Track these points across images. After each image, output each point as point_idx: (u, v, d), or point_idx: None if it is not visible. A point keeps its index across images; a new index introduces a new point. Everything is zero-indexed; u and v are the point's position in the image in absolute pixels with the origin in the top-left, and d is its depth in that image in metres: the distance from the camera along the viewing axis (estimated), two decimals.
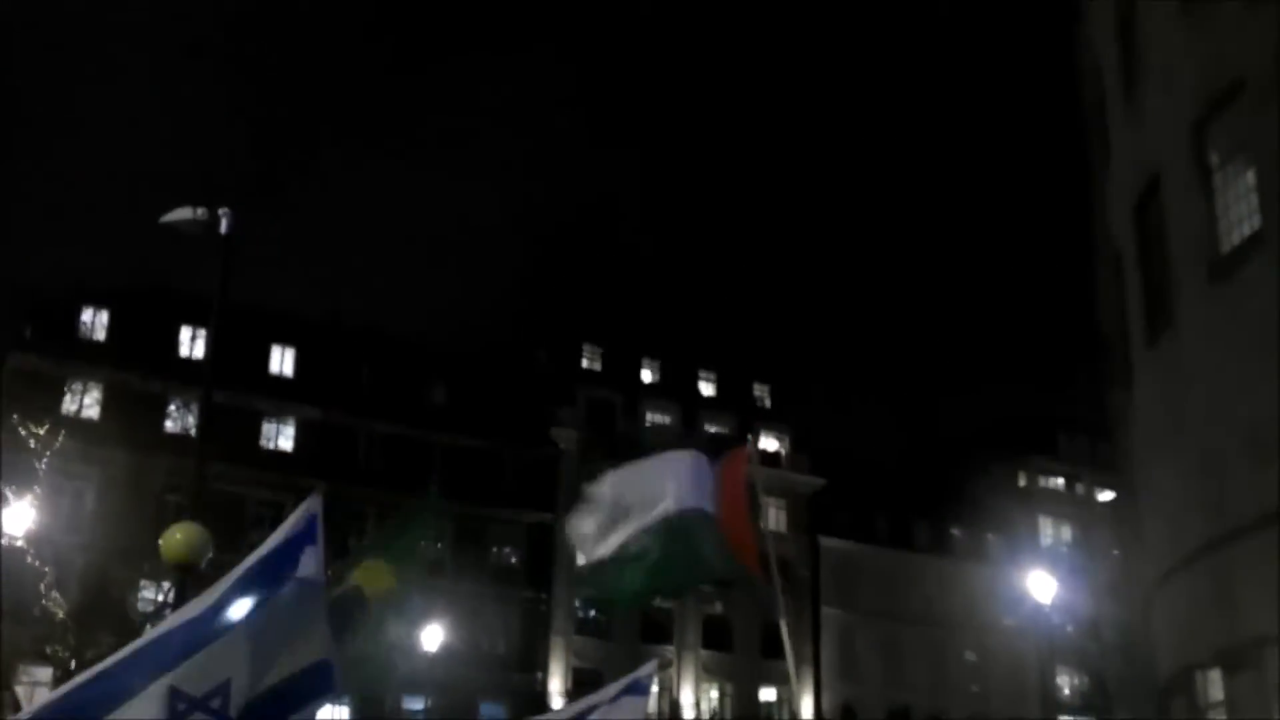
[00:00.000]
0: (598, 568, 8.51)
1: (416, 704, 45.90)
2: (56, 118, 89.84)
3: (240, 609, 4.70)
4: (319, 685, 4.94)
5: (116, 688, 4.29)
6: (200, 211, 10.70)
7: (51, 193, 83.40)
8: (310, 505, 5.24)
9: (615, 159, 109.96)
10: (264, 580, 4.86)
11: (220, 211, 10.72)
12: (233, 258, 11.13)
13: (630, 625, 48.13)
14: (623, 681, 8.26)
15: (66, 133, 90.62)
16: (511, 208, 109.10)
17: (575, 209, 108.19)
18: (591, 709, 8.18)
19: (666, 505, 8.49)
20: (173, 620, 4.70)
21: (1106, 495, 60.30)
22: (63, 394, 41.85)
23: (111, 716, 4.22)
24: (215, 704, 4.39)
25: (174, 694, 4.32)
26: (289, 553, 4.98)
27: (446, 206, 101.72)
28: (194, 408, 38.51)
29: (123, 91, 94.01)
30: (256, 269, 68.37)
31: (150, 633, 4.63)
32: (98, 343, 44.37)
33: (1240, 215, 10.88)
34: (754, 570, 8.43)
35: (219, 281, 10.70)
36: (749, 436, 9.75)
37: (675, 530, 8.32)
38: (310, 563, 5.01)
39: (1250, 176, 10.86)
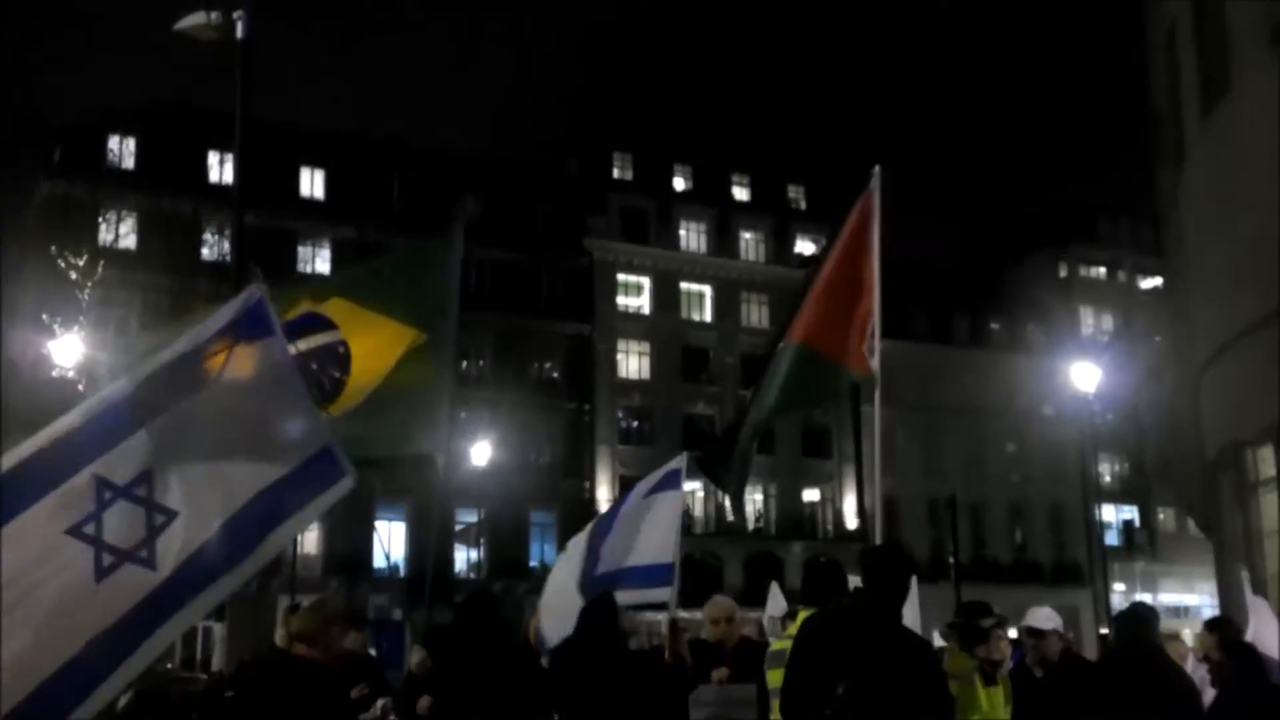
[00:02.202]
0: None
1: (470, 515, 47.25)
2: None
3: (156, 399, 4.39)
4: (324, 474, 4.73)
5: (42, 479, 4.06)
6: (214, 16, 10.27)
7: (75, 12, 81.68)
8: (247, 296, 4.82)
9: None
10: (187, 378, 4.54)
11: (235, 15, 10.27)
12: (253, 68, 10.74)
13: (673, 431, 48.80)
14: (652, 478, 8.17)
15: None
16: (534, 18, 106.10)
17: (601, 15, 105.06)
18: (622, 507, 8.15)
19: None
20: (91, 407, 4.42)
21: (1149, 282, 59.69)
22: (97, 223, 41.90)
23: (39, 505, 4.02)
24: (140, 491, 4.20)
25: (99, 482, 4.13)
26: (227, 345, 4.63)
27: (470, 18, 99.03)
28: (229, 232, 38.49)
29: None
30: (283, 84, 67.34)
31: (66, 420, 4.31)
32: (127, 170, 44.14)
33: None
34: (864, 371, 7.39)
35: (239, 90, 10.32)
36: (873, 171, 7.49)
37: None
38: (267, 358, 4.72)
39: None
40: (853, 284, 7.07)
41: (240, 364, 4.68)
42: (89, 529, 4.08)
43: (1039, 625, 6.19)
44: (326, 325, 6.56)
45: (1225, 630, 6.20)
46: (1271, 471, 11.10)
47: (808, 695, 4.40)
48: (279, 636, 5.28)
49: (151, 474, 4.26)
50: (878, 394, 7.38)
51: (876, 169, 7.29)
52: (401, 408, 6.37)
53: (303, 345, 6.33)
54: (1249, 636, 6.62)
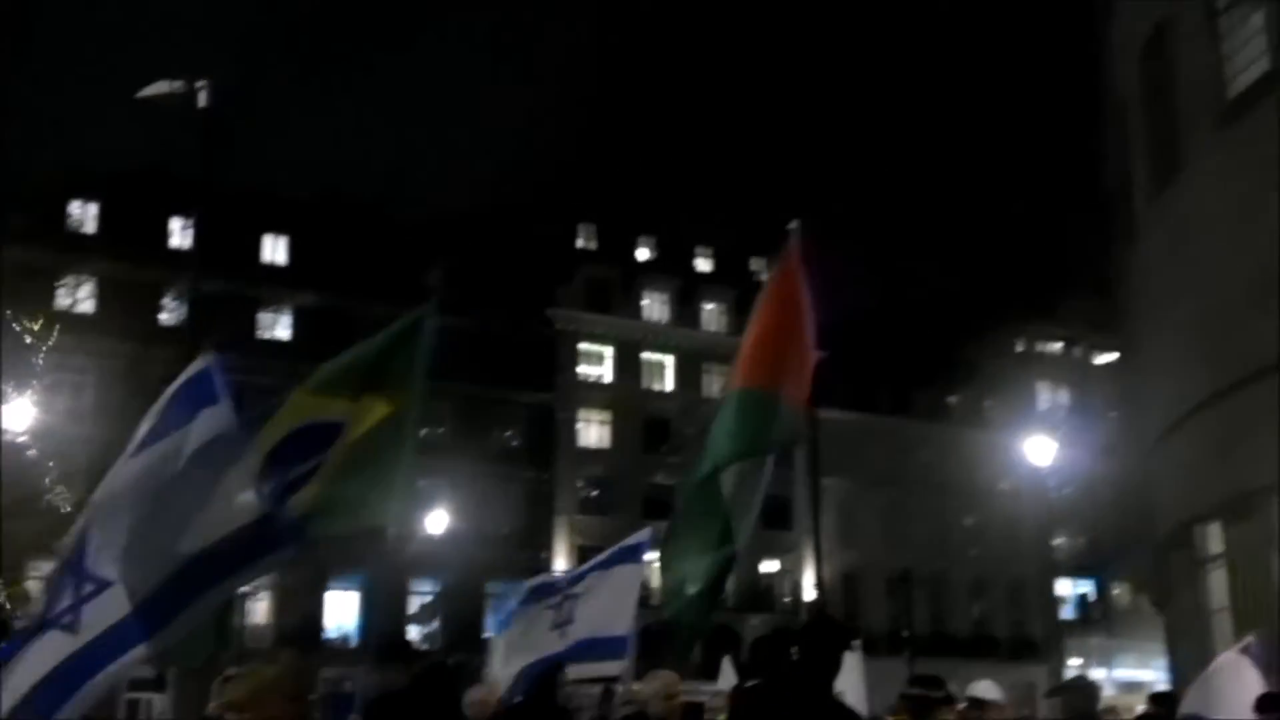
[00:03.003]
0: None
1: (426, 585, 46.70)
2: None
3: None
4: (265, 544, 4.73)
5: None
6: (178, 84, 10.30)
7: (43, 75, 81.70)
8: (197, 365, 4.97)
9: (615, 42, 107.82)
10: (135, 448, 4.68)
11: (198, 84, 10.31)
12: (216, 136, 10.79)
13: (633, 501, 48.61)
14: (615, 549, 8.11)
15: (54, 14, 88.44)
16: (505, 89, 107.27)
17: (570, 89, 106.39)
18: (583, 576, 8.07)
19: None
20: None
21: (1104, 358, 60.51)
22: (55, 288, 41.56)
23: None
24: (74, 558, 4.42)
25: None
26: (171, 422, 4.75)
27: (442, 86, 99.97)
28: (189, 297, 38.29)
29: None
30: (250, 149, 67.47)
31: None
32: (88, 234, 43.94)
33: (1249, 58, 10.58)
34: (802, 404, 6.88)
35: (202, 156, 10.34)
36: (791, 227, 7.41)
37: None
38: (210, 425, 4.79)
39: (1258, 18, 10.54)
40: (784, 329, 6.99)
41: (188, 434, 4.72)
42: None
43: (981, 695, 6.27)
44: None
45: (1162, 703, 6.33)
46: (1220, 548, 11.20)
47: None
48: (212, 706, 5.19)
49: (86, 541, 4.36)
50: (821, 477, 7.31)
51: (795, 222, 7.35)
52: (363, 479, 6.34)
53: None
54: (1221, 697, 6.49)
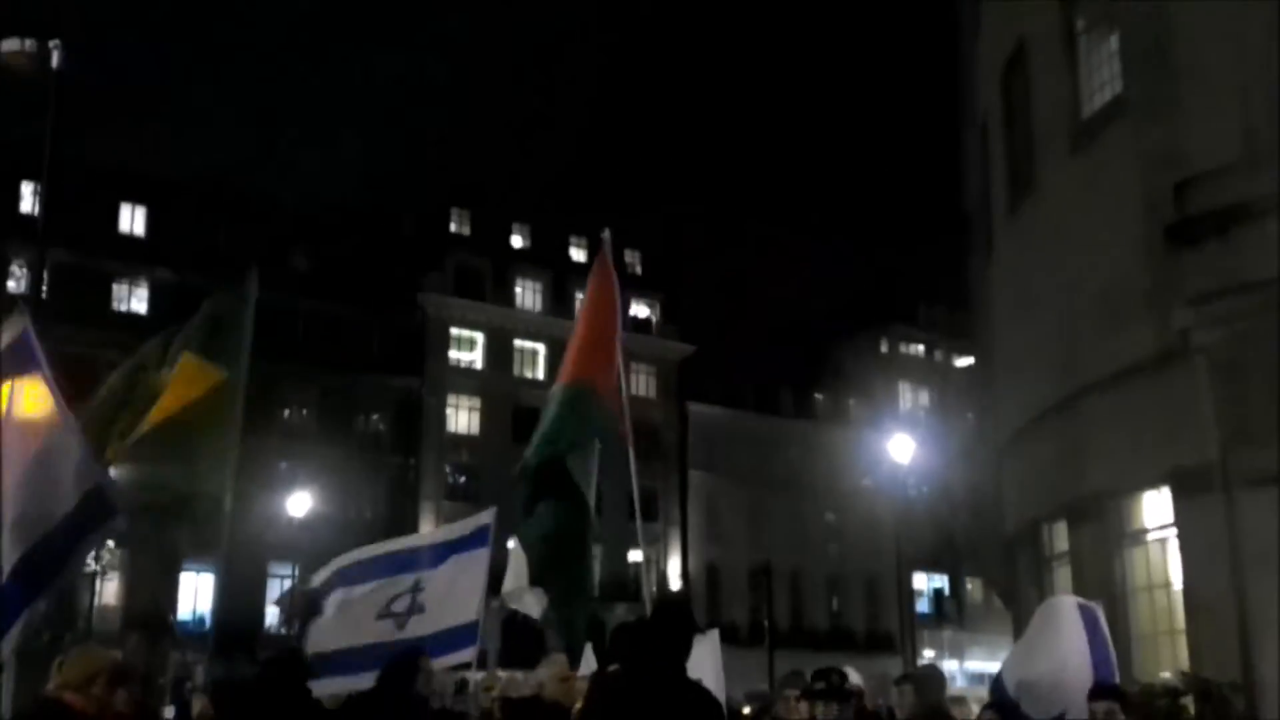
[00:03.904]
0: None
1: (284, 570, 45.74)
2: None
3: None
4: (96, 513, 4.64)
5: None
6: (29, 43, 9.81)
7: None
8: (14, 328, 4.86)
9: (484, 22, 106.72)
10: None
11: (51, 44, 9.83)
12: (70, 100, 10.35)
13: (500, 490, 47.88)
14: (456, 528, 7.82)
15: None
16: (374, 71, 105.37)
17: (445, 74, 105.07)
18: (412, 564, 7.64)
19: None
20: None
21: (963, 361, 62.47)
22: None
23: None
24: None
25: None
26: None
27: (313, 71, 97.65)
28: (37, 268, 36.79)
29: None
30: (108, 128, 64.97)
31: None
32: None
33: (1103, 80, 11.03)
34: (621, 429, 7.90)
35: (50, 123, 9.89)
36: (603, 236, 8.29)
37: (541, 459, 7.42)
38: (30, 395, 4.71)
39: (1114, 41, 11.00)
40: (595, 329, 7.74)
41: (19, 403, 4.57)
42: None
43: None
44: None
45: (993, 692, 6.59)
46: (1064, 546, 11.68)
47: None
48: (49, 686, 5.05)
49: None
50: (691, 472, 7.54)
51: (606, 232, 8.24)
52: (189, 447, 6.28)
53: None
54: (1052, 656, 6.62)
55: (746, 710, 9.36)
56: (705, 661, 6.10)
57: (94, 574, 37.53)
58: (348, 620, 7.35)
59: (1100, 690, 6.02)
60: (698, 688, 4.69)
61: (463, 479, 51.37)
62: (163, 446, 6.20)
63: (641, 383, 57.01)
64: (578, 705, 6.44)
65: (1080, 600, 7.24)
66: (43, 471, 4.57)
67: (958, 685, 40.45)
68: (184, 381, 6.34)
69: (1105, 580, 10.48)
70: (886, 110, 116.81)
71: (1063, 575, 11.69)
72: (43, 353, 4.82)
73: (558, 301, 55.23)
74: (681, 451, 56.62)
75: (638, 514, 8.49)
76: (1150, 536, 10.38)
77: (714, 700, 4.76)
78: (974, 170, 14.72)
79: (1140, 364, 9.95)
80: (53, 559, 4.46)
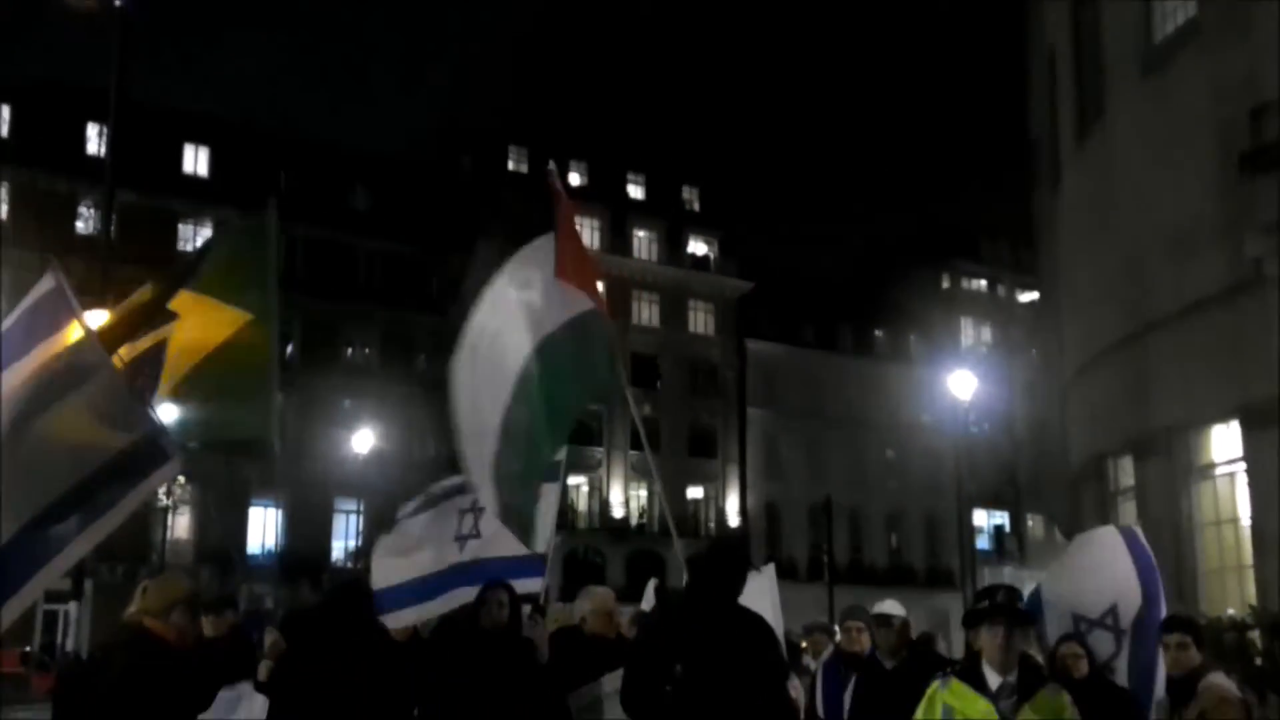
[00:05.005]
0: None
1: (349, 505, 46.61)
2: None
3: None
4: (150, 458, 4.68)
5: None
6: None
7: None
8: (46, 283, 4.86)
9: None
10: None
11: None
12: (134, 42, 10.43)
13: None
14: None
15: None
16: (434, 18, 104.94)
17: (499, 20, 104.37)
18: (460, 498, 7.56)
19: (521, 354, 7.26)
20: None
21: (1026, 297, 61.58)
22: None
23: None
24: None
25: None
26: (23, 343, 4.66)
27: (367, 18, 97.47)
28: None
29: None
30: (172, 71, 65.45)
31: None
32: (1, 140, 42.53)
33: (1174, 4, 10.70)
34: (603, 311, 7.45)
35: (116, 64, 9.97)
36: (548, 169, 8.13)
37: (546, 369, 7.11)
38: (68, 345, 4.72)
39: None
40: (569, 254, 7.74)
41: (49, 352, 4.62)
42: None
43: (888, 612, 6.52)
44: (169, 317, 6.44)
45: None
46: (1130, 481, 11.55)
47: (647, 678, 4.56)
48: (130, 611, 5.21)
49: None
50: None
51: (551, 164, 8.24)
52: (228, 391, 6.29)
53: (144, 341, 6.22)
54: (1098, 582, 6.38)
55: (804, 644, 9.38)
56: (763, 596, 6.15)
57: (165, 509, 38.50)
58: (426, 544, 7.46)
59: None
60: (752, 615, 4.77)
61: None
62: (200, 390, 6.19)
63: (700, 320, 56.93)
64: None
65: (1120, 526, 7.16)
66: (81, 418, 4.61)
67: None
68: (212, 324, 6.29)
69: (1172, 515, 10.37)
70: (950, 42, 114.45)
71: (1128, 510, 11.58)
72: (78, 302, 4.88)
73: (616, 237, 55.14)
74: (740, 388, 56.59)
75: (644, 444, 8.40)
76: (1218, 471, 10.22)
77: (768, 627, 4.85)
78: (1040, 100, 14.38)
79: (1211, 295, 9.74)
80: (95, 505, 4.52)
